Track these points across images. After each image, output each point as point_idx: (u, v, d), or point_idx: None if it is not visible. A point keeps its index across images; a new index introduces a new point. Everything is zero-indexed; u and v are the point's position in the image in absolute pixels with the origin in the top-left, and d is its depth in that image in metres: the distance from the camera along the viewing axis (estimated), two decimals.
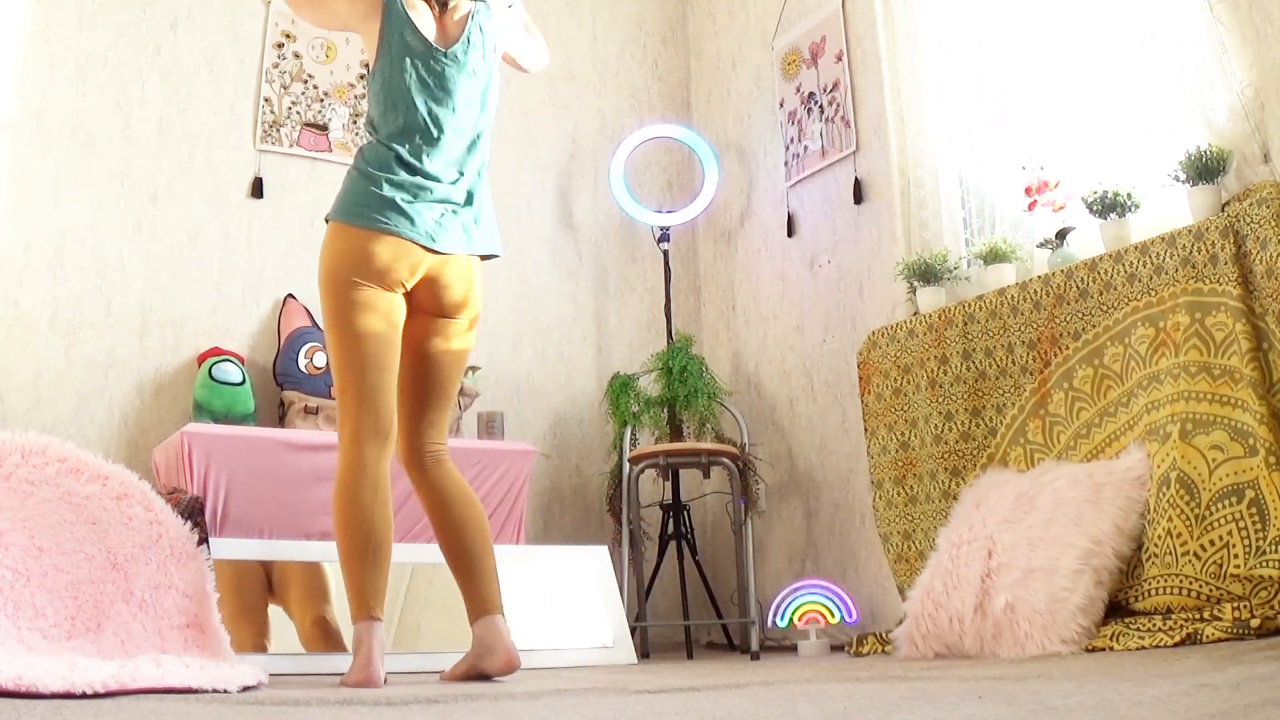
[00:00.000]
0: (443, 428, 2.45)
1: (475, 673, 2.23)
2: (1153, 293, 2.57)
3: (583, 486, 4.10)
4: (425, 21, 2.40)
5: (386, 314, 2.30)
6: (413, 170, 2.33)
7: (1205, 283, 2.45)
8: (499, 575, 2.33)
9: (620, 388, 3.80)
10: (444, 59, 2.38)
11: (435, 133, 2.36)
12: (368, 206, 2.29)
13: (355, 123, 3.89)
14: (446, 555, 2.34)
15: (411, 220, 2.30)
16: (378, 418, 2.27)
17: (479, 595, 2.28)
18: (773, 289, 4.12)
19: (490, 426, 3.60)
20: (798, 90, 4.03)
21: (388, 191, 2.29)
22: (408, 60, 2.35)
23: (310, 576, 2.98)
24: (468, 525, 2.33)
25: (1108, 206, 2.79)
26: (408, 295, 2.37)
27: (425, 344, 2.41)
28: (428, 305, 2.39)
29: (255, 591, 2.91)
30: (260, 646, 2.80)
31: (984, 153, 3.36)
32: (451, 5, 2.44)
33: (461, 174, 2.40)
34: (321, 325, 3.60)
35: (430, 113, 2.36)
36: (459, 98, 2.39)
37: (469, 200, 2.41)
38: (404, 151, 2.33)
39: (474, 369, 3.55)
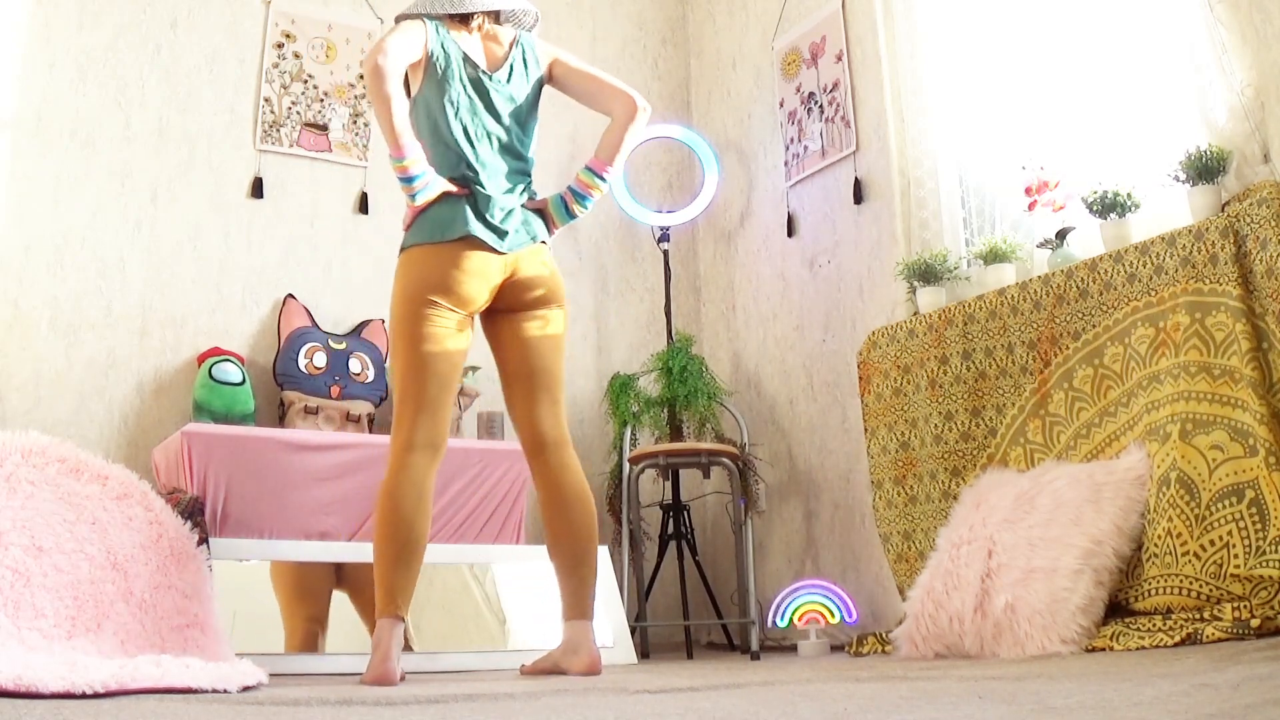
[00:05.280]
0: (559, 414, 2.52)
1: (558, 669, 2.34)
2: (1153, 293, 2.57)
3: None
4: (474, 49, 2.51)
5: (455, 334, 2.40)
6: (466, 189, 2.43)
7: (1205, 283, 2.44)
8: (596, 580, 2.44)
9: (620, 388, 3.79)
10: (492, 84, 2.49)
11: (484, 154, 2.46)
12: (435, 226, 2.39)
13: (355, 122, 3.88)
14: (553, 552, 2.45)
15: (477, 228, 2.40)
16: (433, 429, 2.37)
17: (577, 599, 2.40)
18: (773, 289, 4.11)
19: (490, 426, 3.60)
20: (798, 90, 4.03)
21: (449, 210, 2.40)
22: (457, 89, 2.45)
23: None
24: (581, 532, 2.43)
25: (1108, 206, 2.79)
26: (495, 301, 2.46)
27: (523, 337, 2.50)
28: (518, 303, 2.48)
29: (320, 579, 2.95)
30: (311, 633, 2.82)
31: (984, 153, 3.36)
32: (489, 29, 2.55)
33: (510, 189, 2.50)
34: (318, 323, 3.63)
35: (479, 135, 2.46)
36: (504, 120, 2.51)
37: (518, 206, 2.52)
38: (458, 174, 2.44)
39: (474, 369, 3.55)
